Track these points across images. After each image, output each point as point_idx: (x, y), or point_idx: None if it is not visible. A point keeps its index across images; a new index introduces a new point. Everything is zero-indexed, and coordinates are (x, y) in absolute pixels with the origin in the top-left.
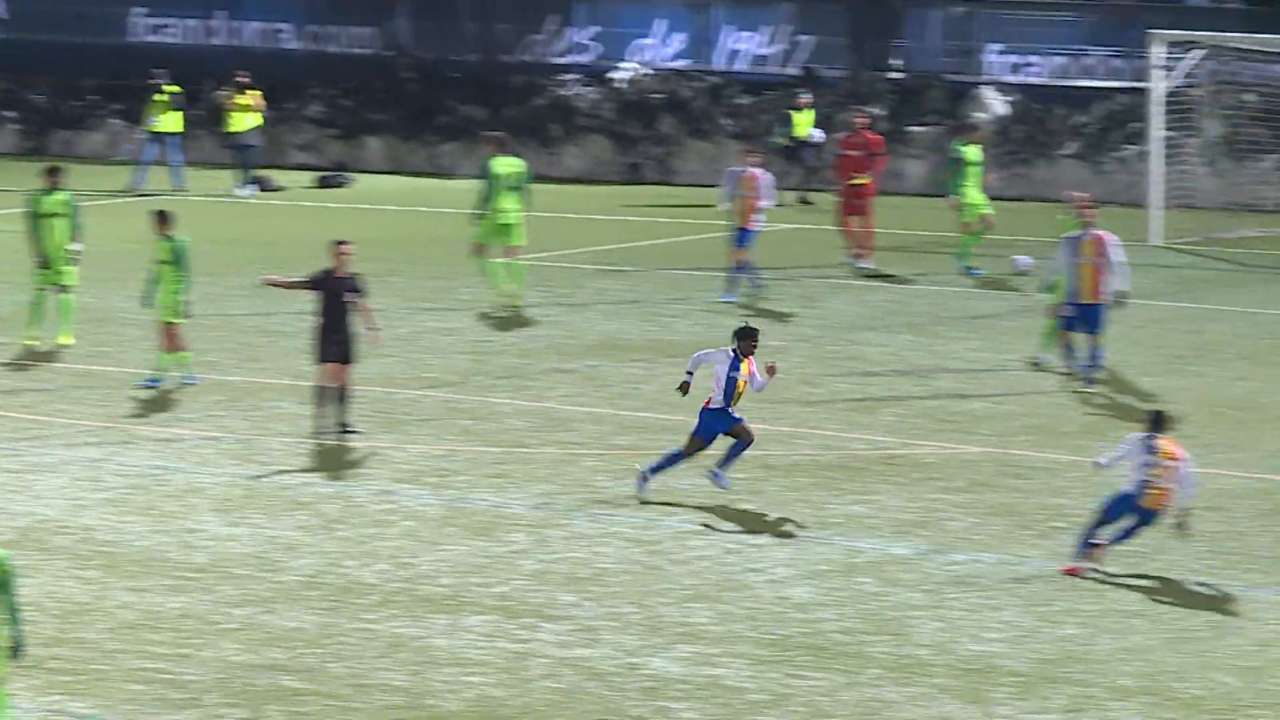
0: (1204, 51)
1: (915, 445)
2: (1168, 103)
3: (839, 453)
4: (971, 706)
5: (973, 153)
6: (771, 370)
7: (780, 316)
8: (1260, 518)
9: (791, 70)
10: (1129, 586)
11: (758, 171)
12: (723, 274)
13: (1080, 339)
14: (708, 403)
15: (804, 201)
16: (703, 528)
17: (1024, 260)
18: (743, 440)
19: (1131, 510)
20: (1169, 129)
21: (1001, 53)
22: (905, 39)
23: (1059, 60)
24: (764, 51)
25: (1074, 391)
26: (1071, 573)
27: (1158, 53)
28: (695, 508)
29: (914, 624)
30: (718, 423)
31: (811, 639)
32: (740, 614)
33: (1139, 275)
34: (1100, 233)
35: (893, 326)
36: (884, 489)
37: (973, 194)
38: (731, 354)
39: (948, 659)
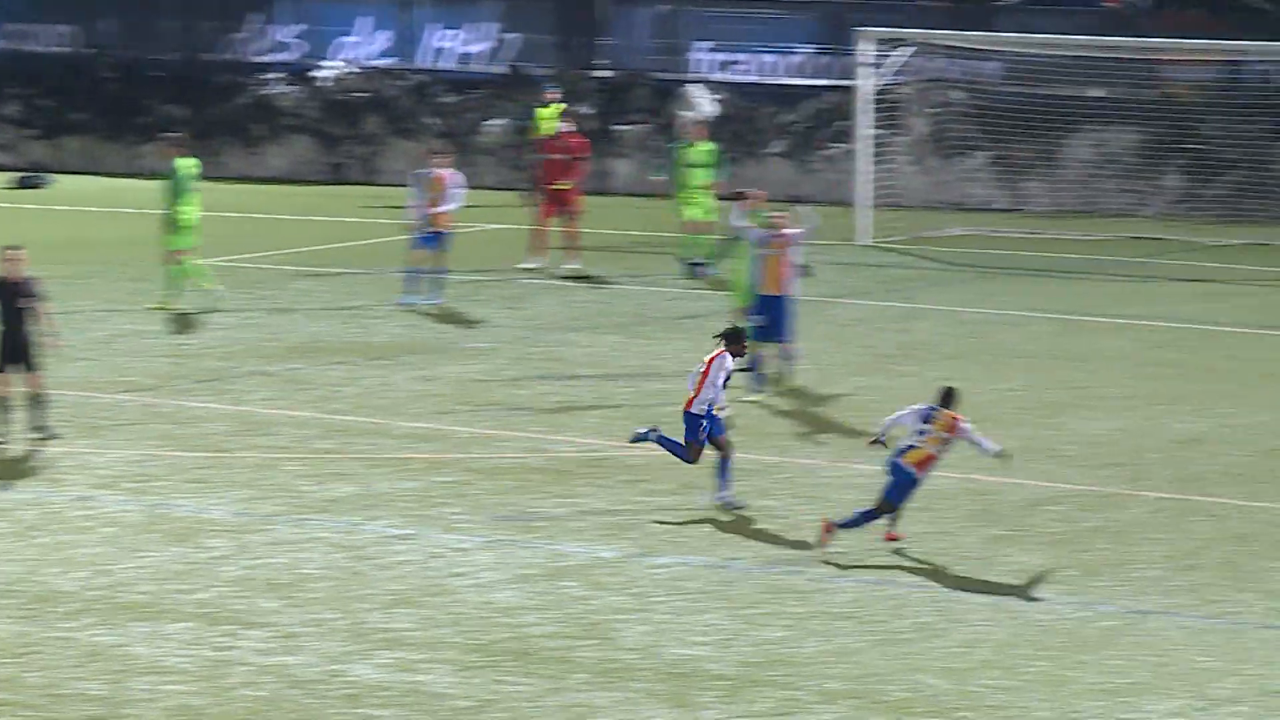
0: (912, 49)
1: (621, 447)
2: (876, 101)
3: (544, 455)
4: (677, 711)
5: (693, 154)
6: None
7: (482, 318)
8: (967, 518)
9: (497, 69)
10: (836, 589)
11: (446, 172)
12: (425, 276)
13: (770, 348)
14: (689, 404)
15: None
16: (407, 533)
17: (705, 267)
18: (727, 453)
19: (895, 470)
20: (877, 127)
21: (710, 51)
22: (612, 37)
23: (767, 58)
24: (469, 49)
25: (779, 395)
26: (891, 538)
27: (865, 50)
28: (399, 513)
29: (620, 628)
30: (697, 425)
31: (517, 644)
32: (444, 619)
33: (847, 274)
34: (788, 231)
35: (599, 327)
36: (590, 492)
37: (692, 196)
38: (728, 356)
39: (653, 663)
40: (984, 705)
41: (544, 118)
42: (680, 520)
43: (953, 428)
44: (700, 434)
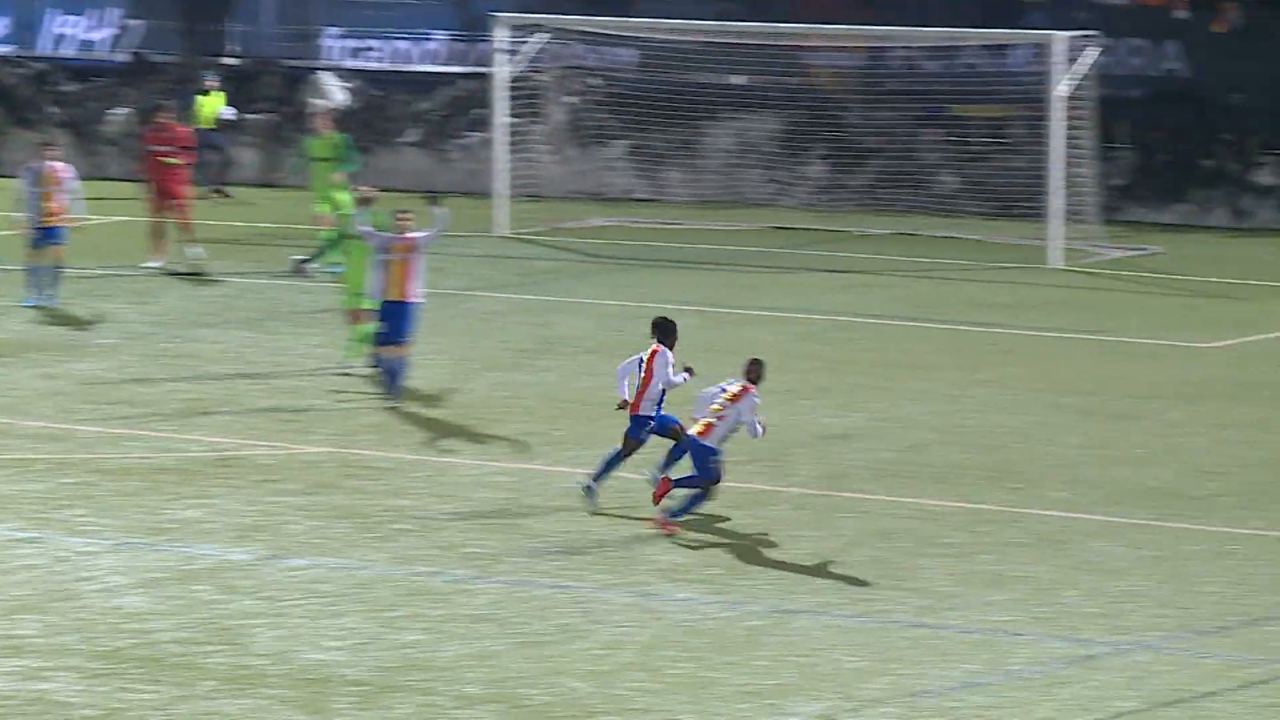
0: (549, 35)
1: (253, 446)
2: (512, 88)
3: (173, 455)
4: (312, 718)
5: (317, 146)
6: (689, 371)
7: (107, 314)
8: (609, 516)
9: (121, 56)
10: (475, 591)
11: (59, 165)
12: (43, 273)
13: (390, 351)
14: (635, 407)
15: (221, 194)
16: (30, 536)
17: (310, 262)
18: (682, 443)
19: (689, 444)
20: (514, 115)
21: (341, 37)
22: (239, 23)
23: (400, 45)
24: (91, 37)
25: (387, 406)
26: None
27: (501, 37)
28: (22, 515)
29: (252, 633)
30: (646, 424)
31: (145, 650)
32: (69, 625)
33: (485, 266)
34: (414, 234)
35: (229, 323)
36: (221, 492)
37: (320, 190)
38: (666, 351)
39: (287, 669)
40: (628, 709)
41: (204, 106)
42: (314, 520)
43: (739, 396)
44: (643, 434)
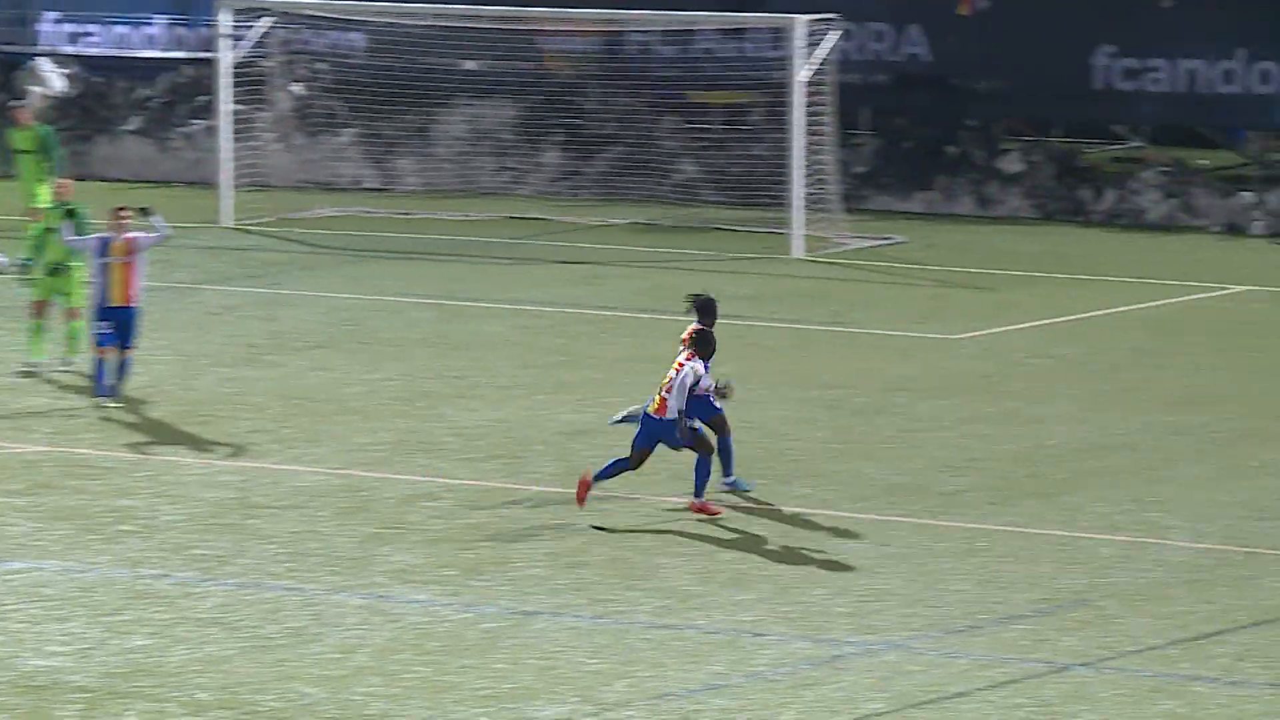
0: (274, 19)
1: None
2: (236, 74)
3: None
4: None
5: (20, 139)
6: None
7: None
8: (341, 516)
9: None
10: (203, 593)
11: None
12: None
13: (112, 354)
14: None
15: None
16: None
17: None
18: (725, 434)
19: (647, 421)
20: (239, 102)
21: (58, 21)
22: None
23: (120, 29)
24: None
25: (102, 408)
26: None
27: (225, 21)
28: None
29: None
30: (697, 411)
31: None
32: None
33: (210, 259)
34: (132, 234)
35: None
36: None
37: (26, 183)
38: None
39: (8, 675)
40: (364, 714)
41: None
42: (34, 522)
43: (681, 365)
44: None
